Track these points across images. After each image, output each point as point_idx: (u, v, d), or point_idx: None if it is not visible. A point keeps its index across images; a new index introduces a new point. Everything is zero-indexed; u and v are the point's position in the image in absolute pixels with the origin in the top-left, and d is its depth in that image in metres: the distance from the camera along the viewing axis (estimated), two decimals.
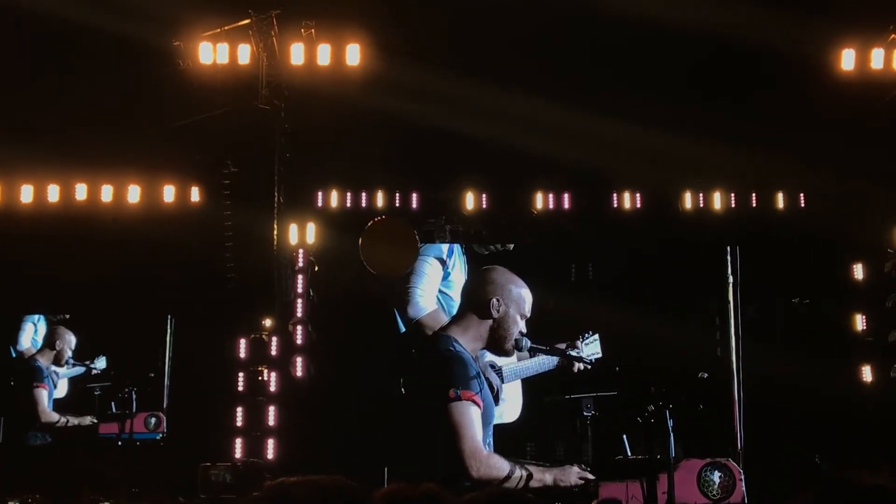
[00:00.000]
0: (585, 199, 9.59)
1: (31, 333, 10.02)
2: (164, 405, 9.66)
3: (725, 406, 8.56)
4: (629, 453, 7.00)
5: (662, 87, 9.08)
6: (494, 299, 4.90)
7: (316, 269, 9.39)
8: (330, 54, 8.98)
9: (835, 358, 9.46)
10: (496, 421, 5.20)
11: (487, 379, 5.00)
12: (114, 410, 9.28)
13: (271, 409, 8.91)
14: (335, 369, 9.28)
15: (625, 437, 6.59)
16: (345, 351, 9.30)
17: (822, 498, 2.55)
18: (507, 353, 5.11)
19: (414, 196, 9.47)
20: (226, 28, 8.94)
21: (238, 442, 8.82)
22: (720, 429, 8.48)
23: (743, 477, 7.27)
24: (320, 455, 8.47)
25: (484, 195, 9.47)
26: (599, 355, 6.64)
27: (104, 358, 9.72)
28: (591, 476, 4.88)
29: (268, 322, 9.13)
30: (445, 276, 8.40)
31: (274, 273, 9.21)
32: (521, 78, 9.04)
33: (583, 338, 6.62)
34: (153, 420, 9.59)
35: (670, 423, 5.18)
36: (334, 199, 9.47)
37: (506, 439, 5.22)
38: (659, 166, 9.31)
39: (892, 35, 9.08)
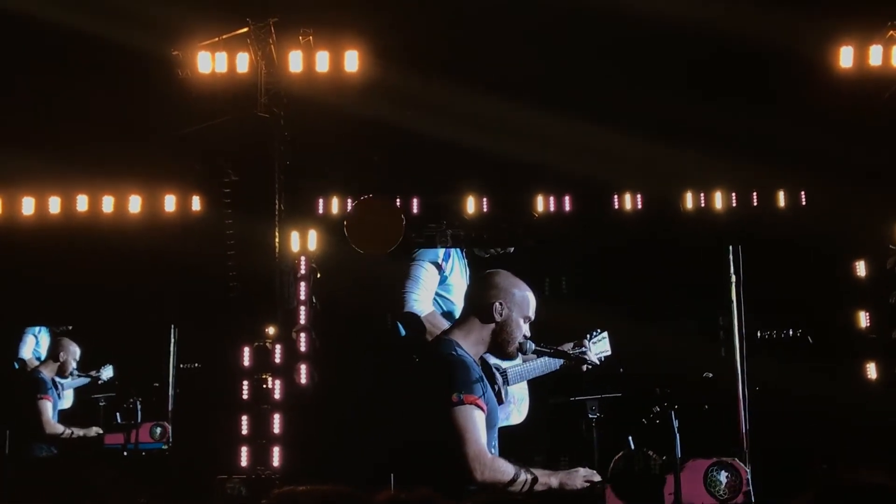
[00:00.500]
0: (586, 201, 9.58)
1: (33, 345, 10.03)
2: (169, 415, 9.66)
3: (730, 406, 8.54)
4: None
5: (661, 87, 9.07)
6: (497, 303, 4.89)
7: (318, 276, 9.39)
8: (328, 61, 8.99)
9: (838, 355, 9.45)
10: (503, 424, 5.20)
11: (493, 381, 5.01)
12: (119, 421, 9.28)
13: (276, 417, 8.91)
14: (339, 376, 9.27)
15: (630, 438, 6.59)
16: (348, 357, 9.29)
17: (821, 498, 2.55)
18: (510, 357, 5.11)
19: (414, 201, 9.47)
20: (224, 37, 8.95)
21: (244, 450, 8.81)
22: (725, 428, 8.47)
23: (749, 476, 7.26)
24: (325, 462, 8.46)
25: (484, 199, 9.47)
26: (609, 353, 6.65)
27: (111, 367, 9.73)
28: (597, 478, 4.88)
29: (271, 330, 9.13)
30: (443, 281, 8.39)
31: (276, 281, 9.21)
32: (519, 82, 9.05)
33: (591, 336, 6.63)
34: (158, 430, 9.58)
35: (675, 423, 5.17)
36: (335, 205, 9.47)
37: (512, 443, 5.21)
38: (659, 167, 9.30)
39: (891, 32, 9.07)
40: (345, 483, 2.80)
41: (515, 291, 4.98)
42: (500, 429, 5.08)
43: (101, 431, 9.61)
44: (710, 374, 8.68)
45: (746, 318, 8.62)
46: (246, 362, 9.01)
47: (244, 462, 8.76)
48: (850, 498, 2.55)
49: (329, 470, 8.07)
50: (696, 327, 9.41)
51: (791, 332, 9.46)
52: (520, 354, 5.14)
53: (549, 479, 4.76)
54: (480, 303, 4.94)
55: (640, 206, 9.53)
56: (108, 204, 9.48)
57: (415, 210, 9.44)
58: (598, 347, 6.65)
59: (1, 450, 8.94)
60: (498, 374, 6.08)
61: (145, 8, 8.66)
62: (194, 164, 9.50)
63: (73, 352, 9.71)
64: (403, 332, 8.38)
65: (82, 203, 9.49)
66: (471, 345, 4.88)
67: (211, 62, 8.94)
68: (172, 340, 9.68)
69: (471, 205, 9.44)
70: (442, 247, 8.77)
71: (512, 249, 9.03)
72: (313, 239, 9.36)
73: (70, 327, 9.93)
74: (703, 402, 8.73)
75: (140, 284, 9.49)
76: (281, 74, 9.12)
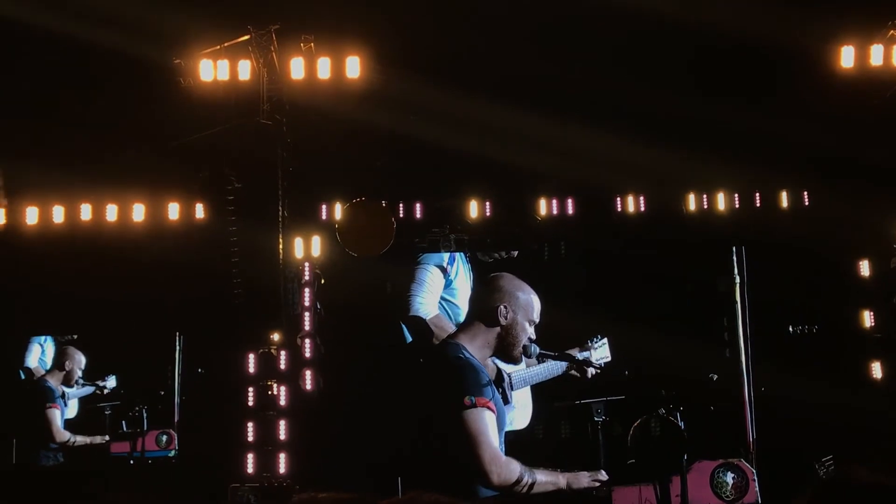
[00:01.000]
0: (589, 204, 9.60)
1: (39, 354, 10.04)
2: (175, 422, 9.67)
3: (736, 407, 8.55)
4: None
5: (663, 89, 9.08)
6: (502, 306, 4.91)
7: (322, 281, 9.40)
8: (330, 68, 9.00)
9: (843, 356, 9.46)
10: (507, 428, 5.21)
11: (499, 384, 5.02)
12: (125, 429, 9.30)
13: (282, 424, 8.91)
14: (344, 381, 9.28)
15: None
16: (353, 363, 9.30)
17: (820, 497, 2.55)
18: (515, 360, 5.12)
19: (417, 206, 9.49)
20: (225, 44, 8.97)
21: (250, 457, 8.81)
22: (731, 430, 8.47)
23: (756, 477, 7.26)
24: (333, 467, 8.47)
25: (487, 203, 9.49)
26: (609, 359, 6.65)
27: (113, 377, 9.75)
28: (603, 477, 4.89)
29: (276, 336, 9.13)
30: (448, 284, 8.40)
31: (280, 287, 9.22)
32: (521, 86, 9.07)
33: (591, 342, 6.63)
34: (165, 438, 9.60)
35: (682, 424, 5.18)
36: (338, 211, 9.49)
37: (518, 445, 5.22)
38: (661, 169, 9.32)
39: (891, 31, 9.09)
40: (353, 489, 2.81)
41: (520, 295, 4.99)
42: (505, 433, 5.09)
43: (106, 439, 9.62)
44: (716, 376, 8.67)
45: (751, 320, 8.62)
46: (251, 369, 9.01)
47: (250, 469, 8.75)
48: (849, 497, 2.55)
49: (336, 476, 8.07)
50: (701, 329, 9.41)
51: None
52: (524, 359, 5.15)
53: (557, 478, 4.78)
54: (485, 306, 4.95)
55: (642, 209, 9.55)
56: (111, 212, 9.50)
57: (418, 215, 9.46)
58: (599, 353, 6.66)
59: (8, 458, 8.96)
60: (505, 375, 6.09)
61: (146, 16, 8.67)
62: (197, 172, 9.51)
63: (79, 361, 9.73)
64: (409, 337, 8.39)
65: (86, 212, 9.50)
66: (477, 348, 4.89)
67: (213, 70, 8.97)
68: (178, 348, 9.70)
69: (474, 209, 9.45)
70: (445, 251, 8.78)
71: (516, 254, 9.04)
72: (317, 245, 9.37)
73: (75, 336, 9.95)
74: (708, 403, 8.72)
75: (144, 292, 9.50)
76: (283, 81, 9.14)
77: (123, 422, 9.34)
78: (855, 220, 9.41)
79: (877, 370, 9.44)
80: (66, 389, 9.72)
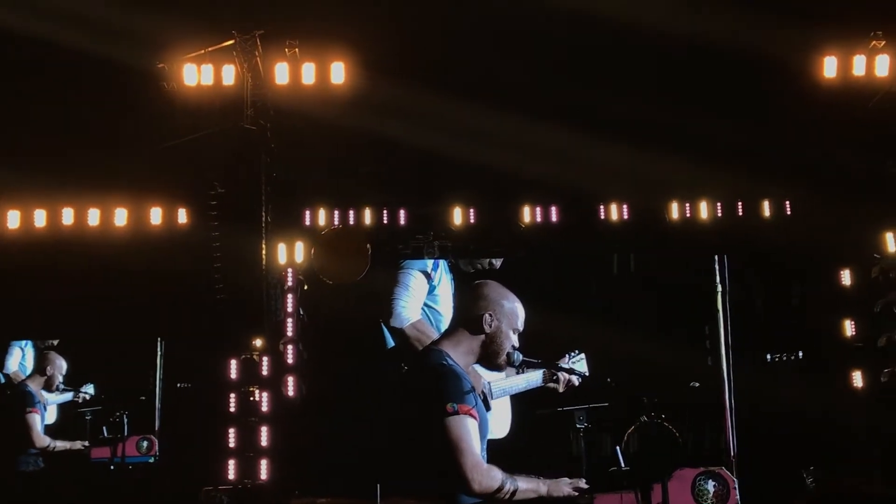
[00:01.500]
0: (573, 212, 9.61)
1: (19, 358, 9.98)
2: (156, 428, 9.63)
3: (717, 415, 8.57)
4: (623, 464, 7.01)
5: (647, 98, 9.11)
6: (487, 314, 4.89)
7: (305, 287, 9.38)
8: (314, 73, 8.99)
9: (825, 364, 9.49)
10: (487, 437, 5.21)
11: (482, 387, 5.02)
12: (105, 435, 9.25)
13: (264, 430, 8.88)
14: (327, 388, 9.27)
15: (618, 448, 6.59)
16: (336, 369, 9.29)
17: None
18: (499, 368, 5.11)
19: (401, 212, 9.48)
20: (210, 49, 8.95)
21: (231, 463, 8.78)
22: (713, 438, 8.49)
23: (737, 485, 7.28)
24: (314, 474, 8.44)
25: (471, 210, 9.49)
26: (587, 374, 6.66)
27: (92, 385, 9.70)
28: (583, 485, 4.89)
29: (258, 342, 9.11)
30: (431, 290, 8.42)
31: (263, 293, 9.19)
32: (505, 94, 9.07)
33: (569, 356, 6.65)
34: (145, 443, 9.55)
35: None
36: (322, 217, 9.48)
37: (500, 453, 5.21)
38: (645, 177, 9.34)
39: (873, 42, 9.14)
40: (334, 495, 2.81)
41: (505, 303, 4.98)
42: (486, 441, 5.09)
43: (86, 445, 9.56)
44: (697, 384, 8.70)
45: (733, 329, 8.65)
46: (233, 375, 8.98)
47: (231, 475, 8.72)
48: None
49: (318, 482, 8.05)
50: (683, 337, 9.43)
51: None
52: (505, 367, 5.14)
53: (537, 486, 4.78)
54: (470, 314, 4.94)
55: (626, 217, 9.56)
56: (93, 217, 9.46)
57: (402, 221, 9.45)
58: (577, 368, 6.66)
59: None
60: (485, 382, 6.08)
61: (130, 21, 8.65)
62: (180, 177, 9.48)
63: (60, 366, 9.68)
64: (391, 343, 8.40)
65: (68, 216, 9.46)
66: (460, 355, 4.88)
67: (197, 75, 8.94)
68: (159, 353, 9.66)
69: (458, 216, 9.45)
70: (429, 258, 8.79)
71: (498, 264, 9.05)
72: (300, 251, 9.35)
73: (55, 342, 9.89)
74: (690, 411, 8.75)
75: (126, 297, 9.46)
76: (267, 86, 9.12)
77: (104, 427, 9.29)
78: (837, 229, 9.45)
79: (858, 379, 9.47)
80: (47, 395, 9.66)
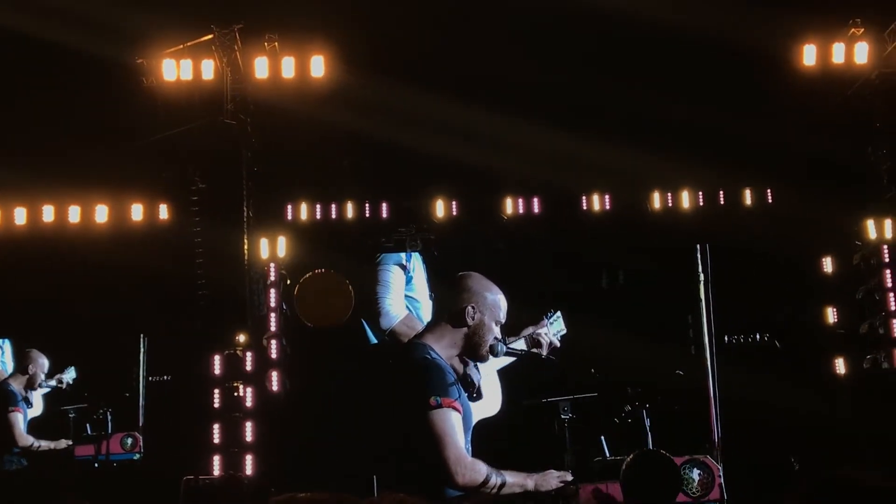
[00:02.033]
0: (555, 203, 9.62)
1: None
2: (140, 425, 9.59)
3: (701, 403, 8.58)
4: (608, 454, 7.02)
5: (626, 89, 9.11)
6: (469, 307, 4.89)
7: (288, 282, 9.37)
8: (294, 67, 8.97)
9: (807, 351, 9.53)
10: (479, 417, 5.21)
11: (468, 377, 5.01)
12: (89, 432, 9.21)
13: (248, 425, 8.87)
14: (311, 382, 9.25)
15: (603, 438, 6.61)
16: (319, 364, 9.28)
17: (812, 497, 2.53)
18: (482, 359, 5.11)
19: (384, 205, 9.47)
20: (189, 44, 8.92)
21: (216, 459, 8.77)
22: (697, 426, 8.50)
23: (722, 473, 7.29)
24: (299, 469, 8.43)
25: (453, 202, 9.49)
26: (564, 331, 6.70)
27: (73, 368, 9.64)
28: (570, 478, 4.90)
29: (241, 337, 9.09)
30: (408, 281, 8.41)
31: (246, 288, 9.18)
32: (485, 87, 9.07)
33: (547, 316, 6.69)
34: (129, 440, 9.52)
35: (647, 422, 5.20)
36: (304, 211, 9.46)
37: (485, 444, 5.22)
38: (627, 168, 9.35)
39: (852, 30, 9.17)
40: (319, 489, 2.80)
41: (487, 295, 4.97)
42: (477, 421, 5.10)
43: (70, 443, 9.52)
44: (681, 372, 8.71)
45: (715, 318, 8.66)
46: (217, 370, 8.97)
47: (216, 471, 8.70)
48: (843, 498, 2.53)
49: (303, 477, 8.03)
50: (666, 326, 9.45)
51: (759, 338, 9.52)
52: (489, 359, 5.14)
53: (524, 480, 4.78)
54: (452, 307, 4.93)
55: (608, 207, 9.57)
56: (74, 214, 9.42)
57: (384, 214, 9.44)
58: (555, 327, 6.71)
59: None
60: (475, 371, 6.08)
61: (108, 16, 8.60)
62: (161, 173, 9.45)
63: (42, 364, 9.63)
64: (373, 338, 8.39)
65: (48, 213, 9.42)
66: (443, 348, 4.88)
67: (176, 69, 8.91)
68: (142, 350, 9.62)
69: (440, 208, 9.44)
70: (412, 251, 8.78)
71: None
72: (282, 245, 9.33)
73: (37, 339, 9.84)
74: (674, 400, 8.76)
75: (108, 294, 9.44)
76: (247, 81, 9.10)
77: (88, 425, 9.25)
78: (818, 217, 9.48)
79: (840, 366, 9.51)
80: (31, 393, 9.61)
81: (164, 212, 9.47)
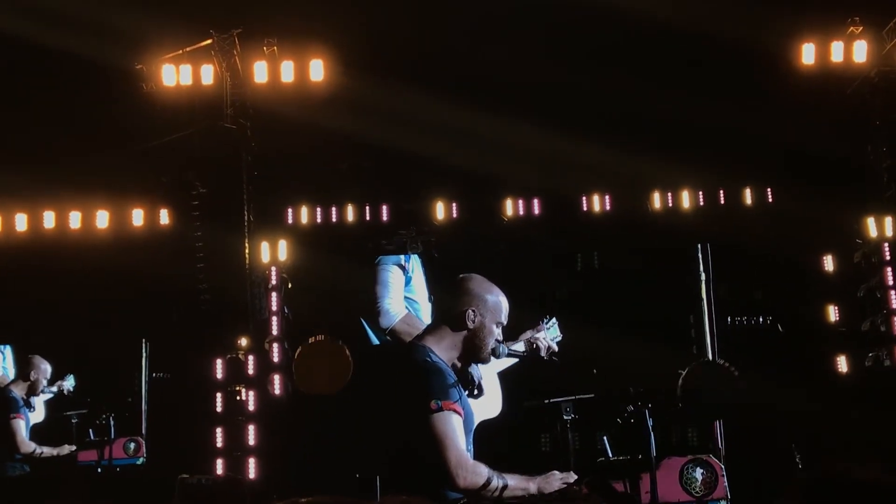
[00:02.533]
0: (555, 204, 9.61)
1: (0, 361, 9.93)
2: (143, 429, 9.60)
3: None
4: (610, 454, 7.02)
5: (626, 89, 9.11)
6: (470, 310, 4.87)
7: (289, 286, 9.37)
8: (293, 71, 8.99)
9: (808, 349, 9.53)
10: (479, 419, 5.21)
11: (468, 375, 5.00)
12: (92, 437, 9.21)
13: (251, 429, 8.88)
14: None
15: (605, 438, 6.61)
16: None
17: (810, 492, 2.53)
18: (483, 362, 5.10)
19: (384, 208, 9.47)
20: (188, 49, 8.93)
21: (219, 462, 8.78)
22: (700, 426, 8.51)
23: (725, 473, 7.30)
24: (302, 472, 8.44)
25: (454, 204, 9.49)
26: (560, 337, 6.73)
27: (72, 377, 9.65)
28: (573, 479, 4.89)
29: (243, 341, 9.10)
30: (407, 282, 8.41)
31: (247, 292, 9.18)
32: (485, 89, 9.07)
33: (544, 321, 6.73)
34: (132, 445, 9.53)
35: (650, 422, 5.19)
36: (304, 215, 9.46)
37: (487, 446, 5.21)
38: (627, 168, 9.35)
39: (851, 28, 9.17)
40: (322, 493, 2.81)
41: (488, 297, 4.95)
42: (479, 423, 5.10)
43: (73, 449, 9.52)
44: (683, 372, 8.71)
45: (717, 315, 8.67)
46: (219, 374, 8.98)
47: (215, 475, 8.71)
48: (842, 493, 2.53)
49: (305, 480, 8.04)
50: (667, 326, 9.45)
51: (762, 320, 9.52)
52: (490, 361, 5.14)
53: (526, 483, 4.76)
54: (453, 310, 4.91)
55: (608, 208, 9.57)
56: (75, 220, 9.43)
57: (384, 217, 9.44)
58: (552, 333, 6.75)
59: None
60: (475, 370, 6.08)
61: (108, 22, 8.61)
62: (161, 178, 9.46)
63: (44, 370, 9.62)
64: (374, 339, 8.38)
65: (49, 219, 9.43)
66: (443, 350, 4.86)
67: (175, 75, 8.93)
68: (144, 355, 9.63)
69: (440, 210, 9.45)
70: (413, 253, 8.77)
71: None
72: (283, 249, 9.34)
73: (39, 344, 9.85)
74: (677, 400, 8.76)
75: (110, 299, 9.44)
76: (246, 85, 9.11)
77: (90, 430, 9.25)
78: (819, 215, 9.48)
79: (842, 364, 9.51)
80: (33, 398, 9.61)
81: (164, 217, 9.48)
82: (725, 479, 7.26)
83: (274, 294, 9.23)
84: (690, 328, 9.29)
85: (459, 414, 4.63)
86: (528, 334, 6.55)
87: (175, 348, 9.37)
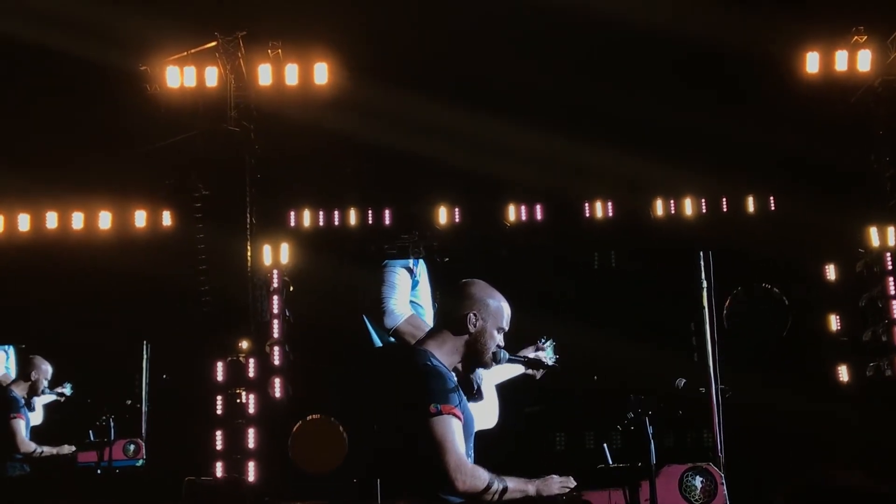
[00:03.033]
0: (557, 210, 9.62)
1: (3, 361, 9.93)
2: (143, 431, 9.60)
3: (704, 411, 8.57)
4: (610, 461, 7.01)
5: (630, 96, 9.12)
6: (471, 314, 4.87)
7: (291, 289, 9.37)
8: (297, 74, 8.99)
9: (810, 359, 9.52)
10: (476, 429, 5.20)
11: (468, 379, 5.00)
12: (92, 439, 9.21)
13: (251, 431, 8.87)
14: (313, 389, 9.25)
15: (605, 445, 6.59)
16: (322, 370, 9.27)
17: (793, 499, 2.55)
18: (484, 367, 5.09)
19: (387, 212, 9.48)
20: (192, 51, 8.94)
21: (219, 465, 8.77)
22: (700, 434, 8.50)
23: (724, 481, 7.29)
24: (302, 475, 8.43)
25: (457, 209, 9.49)
26: (556, 359, 6.75)
27: (69, 384, 9.65)
28: (572, 484, 4.89)
29: (244, 344, 9.10)
30: (414, 286, 8.40)
31: (249, 295, 9.18)
32: (489, 94, 9.08)
33: (541, 341, 6.73)
34: (132, 447, 9.53)
35: (650, 429, 5.18)
36: (307, 218, 9.47)
37: (488, 451, 5.21)
38: (629, 175, 9.36)
39: (855, 37, 9.17)
40: (321, 497, 2.81)
41: (490, 302, 4.95)
42: (475, 434, 5.09)
43: (73, 449, 9.52)
44: (684, 381, 8.70)
45: (718, 324, 8.66)
46: (219, 377, 8.97)
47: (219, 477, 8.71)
48: (823, 499, 2.55)
49: (305, 484, 8.03)
50: (668, 333, 9.45)
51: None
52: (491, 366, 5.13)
53: (526, 486, 4.77)
54: (454, 314, 4.91)
55: (611, 214, 9.57)
56: (77, 220, 9.43)
57: (387, 221, 9.45)
58: (548, 353, 6.75)
59: None
60: (476, 375, 6.08)
61: (112, 23, 8.63)
62: (164, 180, 9.46)
63: (45, 370, 9.63)
64: (377, 342, 8.37)
65: (52, 220, 9.43)
66: (445, 355, 4.86)
67: (179, 76, 8.94)
68: (145, 356, 9.63)
69: (443, 215, 9.45)
70: (415, 257, 8.77)
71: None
72: (285, 252, 9.34)
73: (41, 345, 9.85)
74: (676, 408, 8.74)
75: (112, 300, 9.43)
76: (250, 88, 9.12)
77: (90, 431, 9.25)
78: (821, 224, 9.48)
79: (843, 373, 9.50)
80: (33, 399, 9.61)
81: (167, 218, 9.48)
82: (725, 488, 7.24)
83: (275, 297, 9.23)
84: (692, 335, 9.28)
85: (459, 418, 4.63)
86: (529, 351, 6.57)
87: (176, 350, 9.36)
